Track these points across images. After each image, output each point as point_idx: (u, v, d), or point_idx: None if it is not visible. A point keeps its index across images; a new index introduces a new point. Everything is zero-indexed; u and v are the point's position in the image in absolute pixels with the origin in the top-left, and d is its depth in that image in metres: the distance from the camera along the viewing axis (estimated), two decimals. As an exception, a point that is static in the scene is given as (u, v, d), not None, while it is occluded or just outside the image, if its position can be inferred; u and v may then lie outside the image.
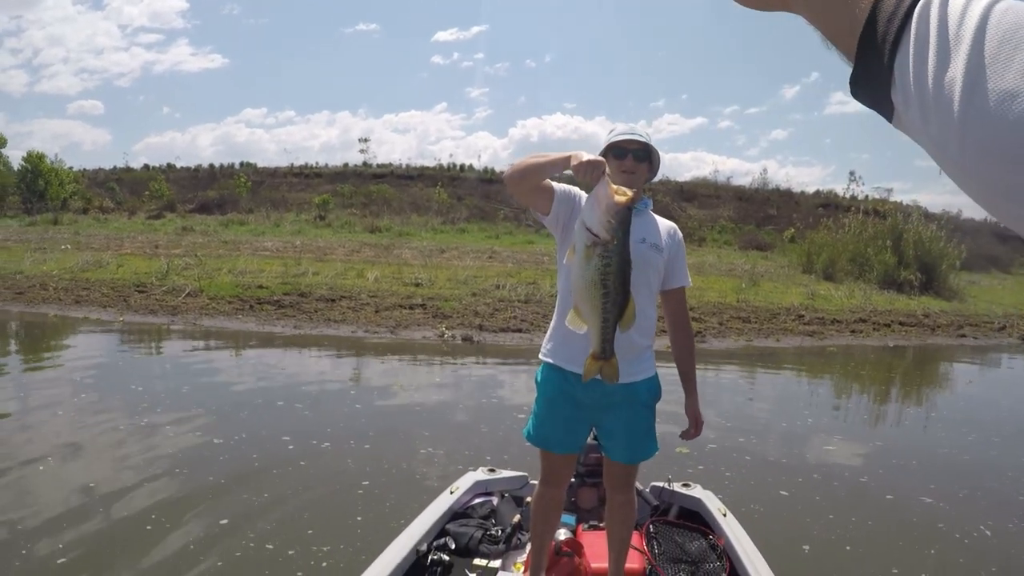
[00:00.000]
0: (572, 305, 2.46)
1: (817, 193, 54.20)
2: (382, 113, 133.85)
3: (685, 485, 4.41)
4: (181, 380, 8.77)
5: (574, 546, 3.56)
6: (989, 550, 5.02)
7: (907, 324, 16.74)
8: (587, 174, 2.45)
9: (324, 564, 4.25)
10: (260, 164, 57.97)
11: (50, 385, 8.50)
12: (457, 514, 4.17)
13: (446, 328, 12.58)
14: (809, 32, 0.78)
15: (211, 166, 57.77)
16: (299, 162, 57.51)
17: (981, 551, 4.99)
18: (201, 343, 11.52)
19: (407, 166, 56.44)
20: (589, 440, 3.42)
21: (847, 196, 51.47)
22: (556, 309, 3.08)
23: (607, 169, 2.43)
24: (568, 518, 4.07)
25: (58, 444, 6.25)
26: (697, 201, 50.27)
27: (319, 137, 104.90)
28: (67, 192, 47.34)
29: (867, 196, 50.04)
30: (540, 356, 3.11)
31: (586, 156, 2.48)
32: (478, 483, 4.41)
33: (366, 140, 66.89)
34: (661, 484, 4.38)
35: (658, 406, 3.12)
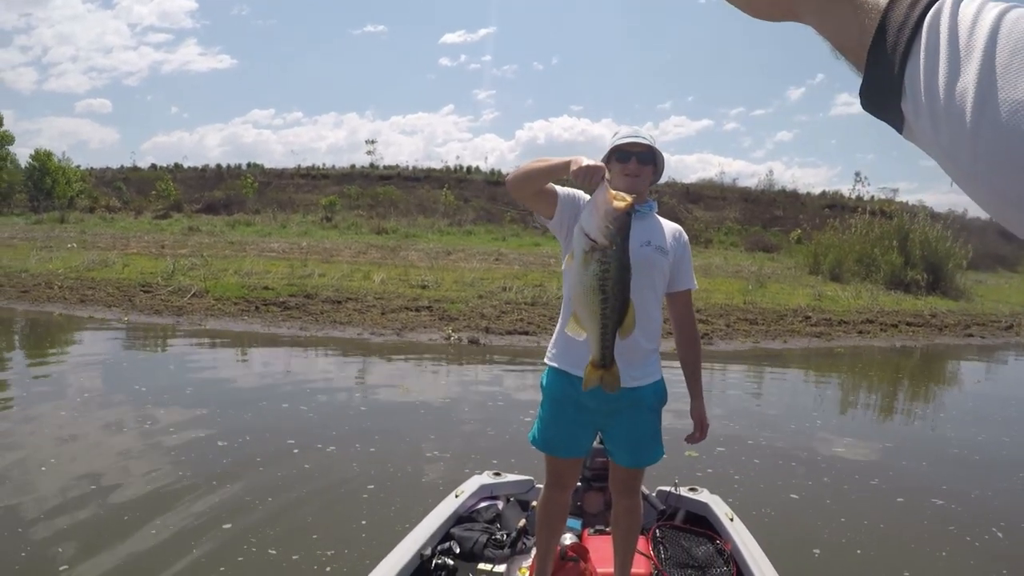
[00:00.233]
0: (571, 312, 2.44)
1: (823, 194, 54.24)
2: (389, 115, 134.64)
3: (692, 489, 4.38)
4: (185, 381, 8.76)
5: (580, 551, 3.54)
6: (1001, 552, 4.99)
7: (914, 324, 16.71)
8: (586, 179, 2.43)
9: (328, 569, 4.22)
10: (267, 165, 58.38)
11: (53, 384, 8.53)
12: (462, 518, 4.15)
13: (452, 330, 12.56)
14: (815, 35, 0.76)
15: (218, 166, 58.05)
16: (306, 163, 57.87)
17: (993, 553, 4.97)
18: (206, 344, 11.52)
19: (414, 168, 56.68)
20: (595, 444, 3.40)
21: (853, 197, 51.55)
22: (561, 313, 3.06)
23: (606, 174, 2.41)
24: (574, 522, 4.04)
25: (60, 444, 6.26)
26: (703, 203, 50.30)
27: (326, 138, 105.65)
28: (74, 191, 47.58)
29: (873, 197, 50.16)
30: (545, 360, 3.10)
31: (585, 161, 2.46)
32: (483, 487, 4.38)
33: (373, 142, 67.02)
34: (668, 488, 4.35)
35: (665, 409, 3.10)
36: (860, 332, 15.33)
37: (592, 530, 4.03)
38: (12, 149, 50.02)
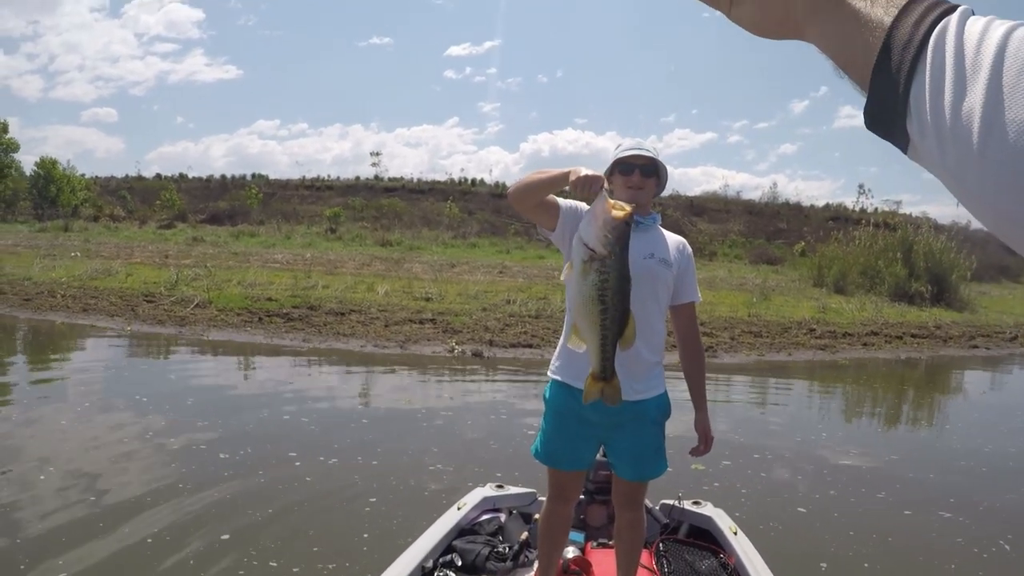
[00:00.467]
0: (571, 323, 2.43)
1: (827, 206, 54.39)
2: (394, 127, 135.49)
3: (695, 503, 4.36)
4: (187, 391, 8.75)
5: (582, 564, 3.52)
6: (1009, 564, 4.96)
7: (919, 336, 16.68)
8: (585, 189, 2.43)
9: (329, 582, 4.21)
10: (272, 176, 58.73)
11: (54, 393, 8.54)
12: (464, 530, 4.12)
13: (456, 343, 12.53)
14: (819, 53, 0.75)
15: (223, 177, 58.38)
16: (311, 175, 58.17)
17: (1001, 565, 4.94)
18: (208, 355, 11.50)
19: (418, 180, 56.96)
20: (598, 457, 3.38)
21: (857, 209, 51.66)
22: (564, 326, 3.05)
23: (605, 184, 2.41)
24: (577, 535, 4.02)
25: (60, 453, 6.24)
26: (707, 215, 50.39)
27: (331, 150, 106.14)
28: (78, 199, 47.86)
29: (876, 209, 50.25)
30: (548, 373, 3.09)
31: (584, 171, 2.46)
32: (486, 499, 4.36)
33: (378, 154, 67.33)
34: (671, 502, 4.33)
35: (670, 422, 3.09)
36: (865, 344, 15.29)
37: (595, 543, 4.01)
38: (17, 157, 50.46)
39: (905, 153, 0.67)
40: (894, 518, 5.74)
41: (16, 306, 14.83)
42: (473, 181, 56.74)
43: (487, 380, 10.59)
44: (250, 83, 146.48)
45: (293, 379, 10.08)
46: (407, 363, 11.32)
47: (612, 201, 2.21)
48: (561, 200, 2.90)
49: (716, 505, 4.38)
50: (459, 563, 3.77)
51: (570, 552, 3.51)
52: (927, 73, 0.61)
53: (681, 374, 3.21)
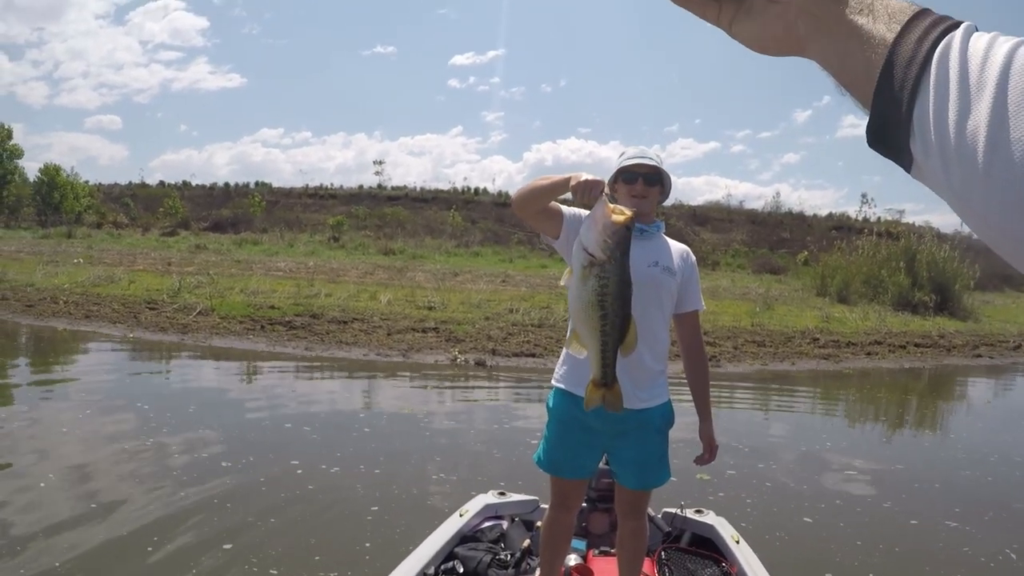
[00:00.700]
0: (571, 329, 2.42)
1: (830, 216, 54.38)
2: (398, 136, 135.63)
3: (698, 511, 4.35)
4: (189, 400, 8.74)
5: (584, 572, 3.51)
6: (1016, 574, 4.95)
7: (922, 345, 16.66)
8: (585, 194, 2.43)
9: (331, 590, 4.20)
10: (275, 184, 58.83)
11: (55, 400, 8.53)
12: (466, 537, 4.11)
13: (459, 352, 12.52)
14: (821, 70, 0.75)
15: (226, 185, 58.46)
16: (314, 183, 58.21)
17: (1008, 575, 4.92)
18: (211, 363, 11.50)
19: (422, 189, 57.00)
20: (601, 465, 3.38)
21: (860, 218, 51.63)
22: (568, 333, 3.05)
23: (606, 188, 2.40)
24: (579, 543, 4.00)
25: (60, 460, 6.23)
26: (710, 225, 50.38)
27: (334, 158, 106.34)
28: (82, 206, 48.00)
29: (879, 218, 50.22)
30: (552, 381, 3.08)
31: (585, 176, 2.46)
32: (488, 506, 4.35)
33: (381, 162, 67.76)
34: (673, 510, 4.32)
35: (675, 432, 3.08)
36: (868, 354, 15.26)
37: (597, 551, 3.99)
38: (21, 163, 50.67)
39: (908, 172, 0.66)
40: (900, 527, 5.72)
41: (19, 312, 14.84)
42: (476, 190, 56.83)
43: (490, 389, 10.58)
44: (254, 91, 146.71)
45: (295, 387, 10.08)
46: (410, 372, 11.31)
47: (612, 206, 2.21)
48: (564, 207, 2.89)
49: (722, 515, 4.37)
50: (461, 570, 3.76)
51: (572, 560, 3.50)
52: (931, 91, 0.61)
53: (684, 383, 3.21)
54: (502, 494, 4.47)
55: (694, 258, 3.17)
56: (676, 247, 3.11)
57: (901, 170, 0.67)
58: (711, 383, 3.26)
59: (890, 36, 0.65)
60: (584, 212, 2.90)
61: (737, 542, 3.96)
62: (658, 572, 3.78)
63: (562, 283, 2.31)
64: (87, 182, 52.62)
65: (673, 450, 3.10)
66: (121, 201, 52.33)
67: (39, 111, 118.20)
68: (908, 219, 48.44)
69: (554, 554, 3.26)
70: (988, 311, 24.90)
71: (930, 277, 23.85)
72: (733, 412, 9.77)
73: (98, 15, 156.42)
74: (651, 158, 2.96)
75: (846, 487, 6.72)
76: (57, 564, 4.26)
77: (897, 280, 23.85)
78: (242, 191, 55.43)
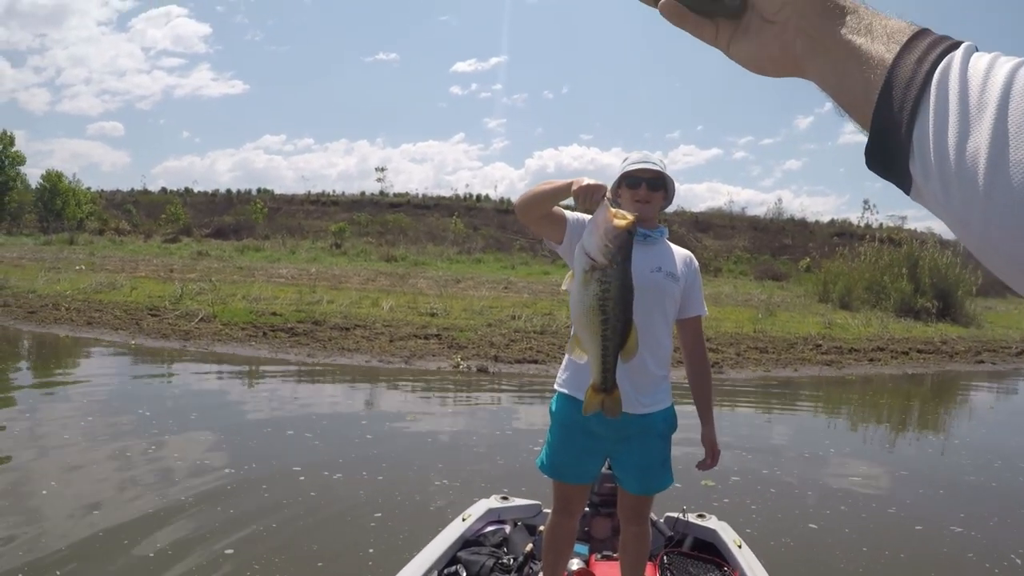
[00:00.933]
0: (572, 334, 2.42)
1: (832, 222, 54.42)
2: (400, 142, 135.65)
3: (700, 516, 4.35)
4: (191, 406, 8.73)
5: (587, 577, 3.51)
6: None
7: (925, 351, 16.63)
8: (586, 199, 2.43)
9: (334, 596, 4.19)
10: (277, 191, 58.92)
11: (57, 407, 8.52)
12: (469, 542, 4.11)
13: (461, 359, 12.50)
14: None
15: (228, 191, 58.59)
16: (316, 190, 58.27)
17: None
18: (213, 369, 11.49)
19: (424, 196, 57.10)
20: (604, 470, 3.38)
21: (862, 225, 51.68)
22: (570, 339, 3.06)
23: (607, 193, 2.41)
24: (581, 548, 4.00)
25: (62, 467, 6.22)
26: (712, 231, 50.40)
27: (337, 165, 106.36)
28: (84, 212, 48.03)
29: (882, 224, 50.25)
30: (555, 386, 3.09)
31: (586, 181, 2.46)
32: (491, 511, 4.35)
33: (383, 169, 67.72)
34: (676, 515, 4.31)
35: (678, 438, 3.08)
36: (871, 360, 15.24)
37: (599, 556, 4.00)
38: (23, 170, 50.64)
39: (908, 194, 0.66)
40: (905, 534, 5.72)
41: (20, 319, 14.83)
42: (478, 197, 56.88)
43: (492, 395, 10.57)
44: (256, 98, 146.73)
45: (297, 394, 10.08)
46: (412, 378, 11.31)
47: (614, 210, 2.21)
48: (568, 212, 2.90)
49: (728, 521, 4.36)
50: (463, 574, 3.76)
51: (574, 564, 3.50)
52: (931, 112, 0.60)
53: (686, 389, 3.21)
54: (505, 499, 4.47)
55: (697, 264, 3.17)
56: (680, 253, 3.12)
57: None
58: (714, 389, 3.26)
59: (889, 56, 0.65)
60: (588, 217, 2.91)
61: (739, 546, 3.95)
62: (660, 577, 3.78)
63: (564, 287, 2.31)
64: (89, 189, 52.72)
65: (676, 457, 3.10)
66: (123, 208, 52.38)
67: (41, 118, 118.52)
68: (910, 225, 48.40)
69: (557, 558, 3.26)
70: (991, 317, 24.87)
71: (932, 283, 23.81)
72: (736, 418, 9.75)
73: (100, 22, 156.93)
74: (654, 163, 2.97)
75: (851, 493, 6.71)
76: (58, 573, 4.26)
77: (899, 286, 23.82)
78: (244, 198, 55.52)
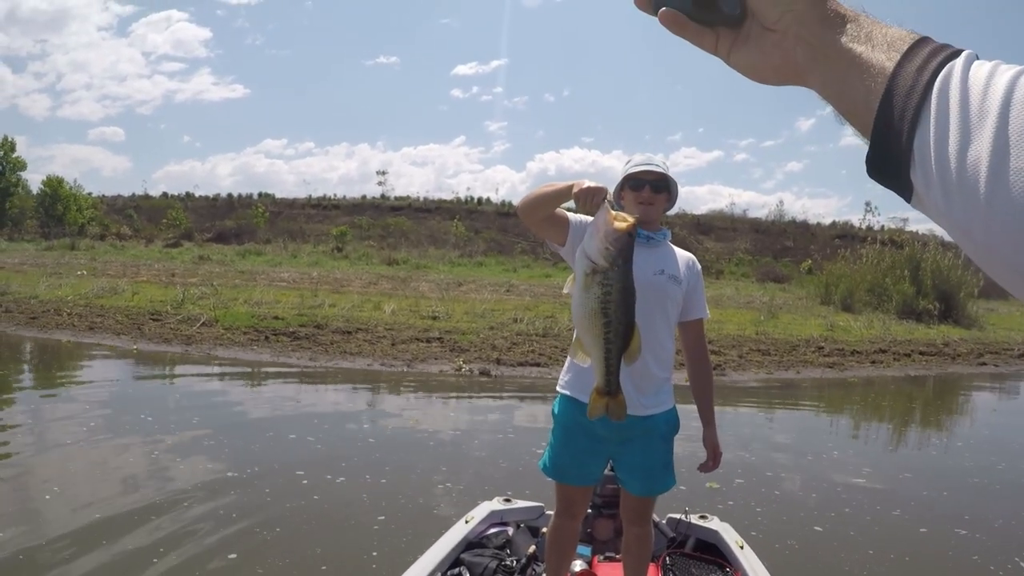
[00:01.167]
0: (575, 338, 2.42)
1: (833, 224, 54.31)
2: (401, 146, 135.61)
3: (702, 517, 4.35)
4: (193, 411, 8.73)
5: (590, 579, 3.51)
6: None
7: (927, 353, 16.64)
8: (587, 201, 2.44)
9: (337, 598, 4.19)
10: (278, 195, 58.95)
11: (60, 412, 8.52)
12: (472, 544, 4.11)
13: (463, 362, 12.51)
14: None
15: (229, 196, 58.55)
16: (317, 193, 58.27)
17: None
18: (215, 373, 11.50)
19: (425, 199, 57.05)
20: (606, 471, 3.38)
21: (863, 227, 51.57)
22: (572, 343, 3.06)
23: (608, 195, 2.41)
24: (584, 549, 4.01)
25: (65, 472, 6.22)
26: (714, 234, 50.34)
27: (338, 169, 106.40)
28: (85, 218, 48.03)
29: (883, 226, 50.15)
30: (557, 388, 3.10)
31: (587, 183, 2.47)
32: (493, 513, 4.35)
33: (384, 173, 67.76)
34: (678, 516, 4.32)
35: (680, 441, 3.09)
36: (873, 362, 15.24)
37: (602, 557, 4.00)
38: (24, 175, 50.68)
39: (908, 202, 0.66)
40: (910, 536, 5.71)
41: (22, 324, 14.83)
42: (479, 200, 56.87)
43: (495, 398, 10.57)
44: (257, 102, 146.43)
45: (300, 397, 10.08)
46: (414, 381, 11.31)
47: (615, 212, 2.22)
48: (571, 215, 2.90)
49: (732, 523, 4.37)
50: (467, 576, 3.77)
51: (577, 566, 3.50)
52: (931, 121, 0.60)
53: (689, 397, 3.21)
54: (508, 501, 4.48)
55: (699, 266, 3.18)
56: (682, 255, 3.13)
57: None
58: (716, 391, 3.27)
59: (889, 65, 0.65)
60: (590, 219, 2.91)
61: (741, 547, 3.96)
62: (663, 578, 3.78)
63: (565, 291, 2.31)
64: (90, 194, 52.74)
65: (679, 460, 3.10)
66: (124, 213, 52.43)
67: (42, 123, 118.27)
68: (912, 227, 48.30)
69: (559, 560, 3.26)
70: (993, 319, 24.87)
71: (934, 285, 23.83)
72: (740, 421, 9.75)
73: (101, 27, 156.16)
74: (657, 165, 2.98)
75: (855, 495, 6.70)
76: (57, 574, 4.26)
77: (901, 288, 23.84)
78: (245, 202, 55.53)
